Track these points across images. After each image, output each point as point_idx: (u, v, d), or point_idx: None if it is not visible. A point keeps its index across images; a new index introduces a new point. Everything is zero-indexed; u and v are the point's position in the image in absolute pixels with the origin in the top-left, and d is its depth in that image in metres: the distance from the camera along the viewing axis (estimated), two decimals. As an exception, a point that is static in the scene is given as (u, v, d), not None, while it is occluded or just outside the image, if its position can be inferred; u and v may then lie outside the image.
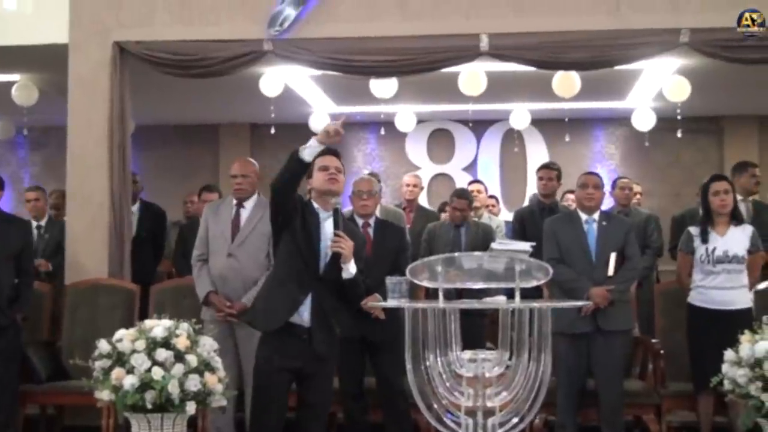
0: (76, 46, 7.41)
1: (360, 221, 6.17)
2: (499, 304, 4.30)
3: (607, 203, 7.86)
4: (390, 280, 4.44)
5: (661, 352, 6.29)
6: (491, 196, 10.30)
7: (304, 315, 4.69)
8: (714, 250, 5.96)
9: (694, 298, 6.08)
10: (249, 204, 6.19)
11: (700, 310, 6.02)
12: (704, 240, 6.00)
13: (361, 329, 5.77)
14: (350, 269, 4.67)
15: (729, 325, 5.33)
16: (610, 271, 6.01)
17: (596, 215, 6.19)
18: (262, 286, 5.00)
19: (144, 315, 6.68)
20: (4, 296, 6.03)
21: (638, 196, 9.20)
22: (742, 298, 5.98)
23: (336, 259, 4.67)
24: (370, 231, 6.13)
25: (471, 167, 12.72)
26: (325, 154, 4.80)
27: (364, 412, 6.15)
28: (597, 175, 6.47)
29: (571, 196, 9.36)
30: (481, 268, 4.29)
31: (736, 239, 6.00)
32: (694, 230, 6.14)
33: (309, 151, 4.52)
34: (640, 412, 6.29)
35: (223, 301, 5.95)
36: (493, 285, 4.43)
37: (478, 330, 6.72)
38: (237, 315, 5.89)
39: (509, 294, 4.29)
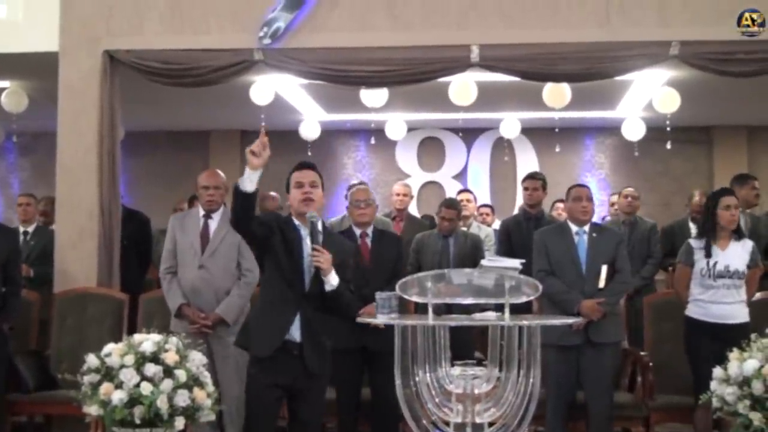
0: (66, 54, 7.38)
1: (357, 231, 6.17)
2: (489, 321, 4.30)
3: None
4: (380, 296, 4.44)
5: (650, 364, 6.29)
6: (486, 205, 10.31)
7: (294, 333, 4.66)
8: (715, 264, 5.93)
9: (693, 311, 6.03)
10: (216, 215, 6.19)
11: (699, 323, 5.97)
12: (708, 254, 5.96)
13: (362, 339, 5.76)
14: (331, 281, 4.60)
15: (728, 339, 5.32)
16: (601, 284, 5.99)
17: (587, 227, 6.18)
18: (254, 309, 4.94)
19: (133, 324, 6.69)
20: None
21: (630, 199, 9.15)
22: (741, 313, 5.96)
23: (319, 273, 4.63)
24: (368, 241, 6.13)
25: (461, 175, 12.76)
26: (302, 168, 4.81)
27: (357, 423, 6.12)
28: (588, 187, 6.46)
29: (561, 206, 9.37)
30: (471, 284, 4.30)
31: (737, 254, 5.98)
32: (695, 243, 6.09)
33: (248, 181, 4.39)
34: (629, 424, 6.30)
35: (197, 312, 5.93)
36: (482, 301, 4.43)
37: (467, 339, 6.71)
38: (212, 326, 5.89)
39: (499, 306, 4.29)
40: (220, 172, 6.42)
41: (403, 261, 6.30)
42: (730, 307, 5.93)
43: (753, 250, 6.09)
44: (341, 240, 5.01)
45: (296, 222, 4.74)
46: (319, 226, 4.70)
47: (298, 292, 4.66)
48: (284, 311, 4.66)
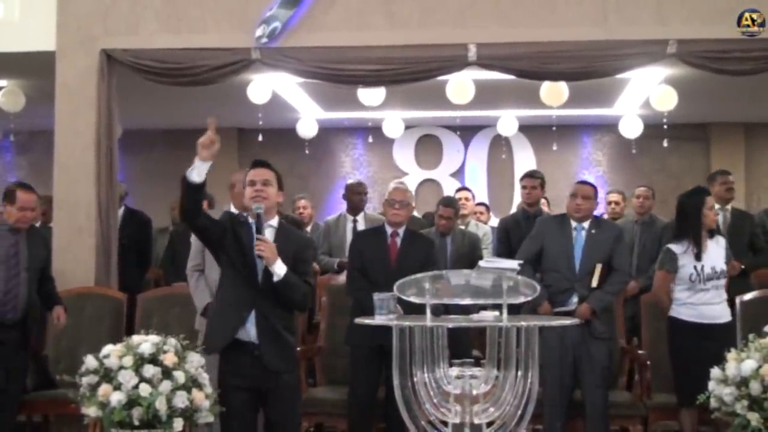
0: (63, 53, 7.39)
1: (389, 230, 6.15)
2: (487, 321, 4.29)
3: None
4: (377, 297, 4.44)
5: (648, 362, 6.29)
6: (481, 204, 10.30)
7: (251, 331, 4.66)
8: (703, 267, 5.87)
9: (682, 313, 5.95)
10: None
11: (690, 325, 5.91)
12: (698, 257, 5.89)
13: (379, 338, 5.69)
14: (277, 271, 4.58)
15: (718, 339, 5.32)
16: (594, 283, 5.96)
17: (586, 223, 6.14)
18: (211, 309, 4.97)
19: (131, 324, 6.69)
20: (37, 306, 6.05)
21: (613, 205, 9.10)
22: (726, 312, 5.97)
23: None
24: (398, 241, 6.10)
25: (458, 173, 12.76)
26: (256, 166, 4.79)
27: (371, 424, 6.09)
28: (590, 184, 6.39)
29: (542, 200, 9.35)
30: (469, 285, 4.30)
31: (717, 254, 5.96)
32: (676, 248, 5.97)
33: (196, 171, 4.43)
34: (627, 423, 6.28)
35: None
36: (480, 301, 4.43)
37: (466, 338, 6.72)
38: None
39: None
40: None
41: (433, 267, 6.17)
42: (719, 307, 5.92)
43: (727, 245, 6.07)
44: (298, 234, 4.97)
45: (250, 220, 4.74)
46: (274, 223, 4.74)
47: (252, 287, 4.65)
48: (238, 308, 4.65)
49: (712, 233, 6.05)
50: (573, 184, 6.43)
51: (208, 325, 4.86)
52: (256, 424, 4.84)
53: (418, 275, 4.27)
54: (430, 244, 6.33)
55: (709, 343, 5.47)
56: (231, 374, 4.66)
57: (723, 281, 5.94)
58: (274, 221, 4.78)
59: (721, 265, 5.93)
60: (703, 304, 5.90)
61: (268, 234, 4.71)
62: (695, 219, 5.96)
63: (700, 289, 5.90)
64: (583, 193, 6.17)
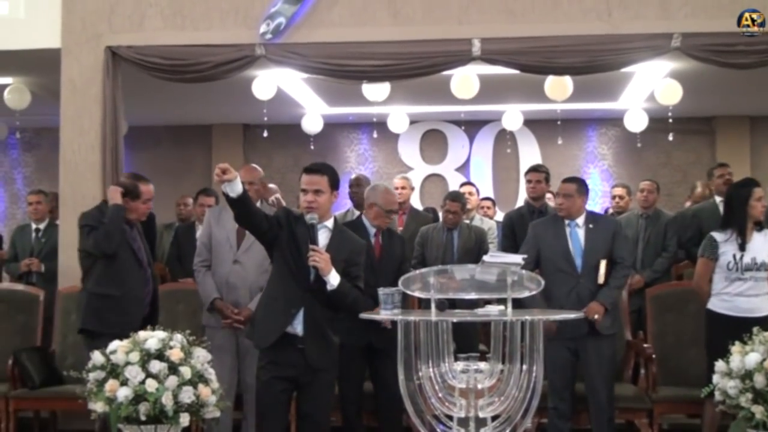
0: (68, 51, 7.43)
1: (372, 229, 6.18)
2: (491, 316, 4.31)
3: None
4: (383, 292, 4.46)
5: (653, 356, 6.29)
6: (487, 198, 10.30)
7: (297, 326, 4.71)
8: (742, 257, 5.81)
9: (717, 305, 5.89)
10: None
11: (724, 318, 5.82)
12: (742, 248, 5.81)
13: (369, 336, 5.78)
14: (331, 281, 4.62)
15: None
16: (601, 279, 5.91)
17: (580, 220, 6.05)
18: (259, 302, 5.02)
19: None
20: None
21: (618, 199, 9.06)
22: (765, 304, 5.85)
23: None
24: (380, 238, 6.14)
25: (464, 168, 12.75)
26: (309, 173, 4.80)
27: (360, 416, 6.14)
28: (573, 181, 6.21)
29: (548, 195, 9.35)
30: (474, 279, 4.31)
31: (762, 246, 5.87)
32: (719, 236, 5.91)
33: (229, 189, 4.52)
34: (633, 416, 6.29)
35: (230, 307, 5.88)
36: (485, 296, 4.46)
37: (471, 332, 6.74)
38: (244, 321, 5.79)
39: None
40: (256, 166, 6.33)
41: (408, 262, 6.33)
42: (757, 299, 5.82)
43: None
44: (352, 238, 4.98)
45: (306, 215, 4.75)
46: (330, 225, 4.81)
47: (302, 286, 4.69)
48: (288, 305, 4.71)
49: (761, 226, 5.96)
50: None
51: (257, 318, 4.89)
52: (288, 414, 4.91)
53: (423, 270, 4.29)
54: (403, 240, 6.44)
55: (743, 337, 5.36)
56: (274, 364, 4.71)
57: (764, 274, 5.84)
58: (330, 222, 4.85)
59: (763, 257, 5.83)
60: (739, 296, 5.81)
61: (323, 235, 4.78)
62: (741, 209, 5.89)
63: (736, 278, 5.82)
64: (563, 191, 6.09)
